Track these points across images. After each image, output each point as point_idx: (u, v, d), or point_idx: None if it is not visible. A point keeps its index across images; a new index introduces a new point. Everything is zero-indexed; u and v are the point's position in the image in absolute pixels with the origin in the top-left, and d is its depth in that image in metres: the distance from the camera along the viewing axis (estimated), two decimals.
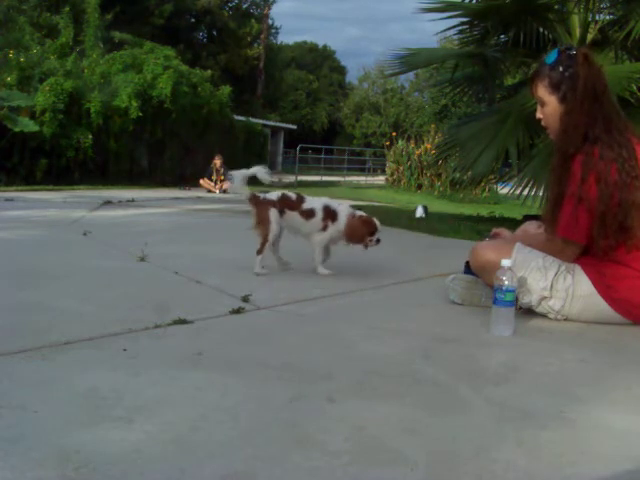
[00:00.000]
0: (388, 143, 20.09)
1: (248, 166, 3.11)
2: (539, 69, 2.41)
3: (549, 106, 2.37)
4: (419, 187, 17.71)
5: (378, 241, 3.05)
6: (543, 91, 2.36)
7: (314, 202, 3.08)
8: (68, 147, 11.93)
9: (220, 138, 15.77)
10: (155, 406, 1.42)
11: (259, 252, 3.03)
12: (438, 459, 1.23)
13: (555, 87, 2.33)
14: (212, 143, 15.16)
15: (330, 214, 3.05)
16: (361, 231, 3.02)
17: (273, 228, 3.01)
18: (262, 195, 3.08)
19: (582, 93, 2.27)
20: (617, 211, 2.20)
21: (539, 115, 2.44)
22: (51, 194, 9.11)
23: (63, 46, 14.19)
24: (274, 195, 3.07)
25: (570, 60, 2.31)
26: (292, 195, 3.10)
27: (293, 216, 3.05)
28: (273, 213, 3.01)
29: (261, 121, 23.06)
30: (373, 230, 3.03)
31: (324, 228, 3.04)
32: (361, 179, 25.81)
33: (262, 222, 3.02)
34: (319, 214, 3.04)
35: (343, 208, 3.09)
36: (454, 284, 2.65)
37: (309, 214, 3.05)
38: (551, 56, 2.36)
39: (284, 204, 3.04)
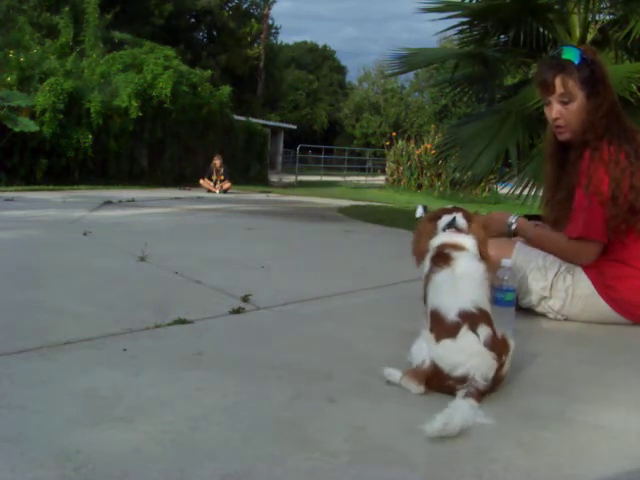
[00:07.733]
0: (388, 143, 20.06)
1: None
2: (562, 65, 2.33)
3: (576, 101, 2.32)
4: (419, 187, 17.67)
5: None
6: (572, 85, 2.31)
7: None
8: (68, 147, 11.93)
9: (220, 138, 15.74)
10: (155, 406, 1.42)
11: None
12: (438, 459, 1.23)
13: (585, 82, 2.31)
14: (212, 143, 15.16)
15: None
16: None
17: None
18: None
19: (610, 87, 2.34)
20: (628, 191, 2.21)
21: (556, 115, 2.36)
22: (51, 194, 9.10)
23: (63, 46, 14.22)
24: None
25: (591, 56, 2.34)
26: None
27: None
28: None
29: (261, 121, 23.02)
30: None
31: None
32: (361, 179, 25.78)
33: None
34: None
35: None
36: None
37: None
38: (572, 53, 2.33)
39: None
